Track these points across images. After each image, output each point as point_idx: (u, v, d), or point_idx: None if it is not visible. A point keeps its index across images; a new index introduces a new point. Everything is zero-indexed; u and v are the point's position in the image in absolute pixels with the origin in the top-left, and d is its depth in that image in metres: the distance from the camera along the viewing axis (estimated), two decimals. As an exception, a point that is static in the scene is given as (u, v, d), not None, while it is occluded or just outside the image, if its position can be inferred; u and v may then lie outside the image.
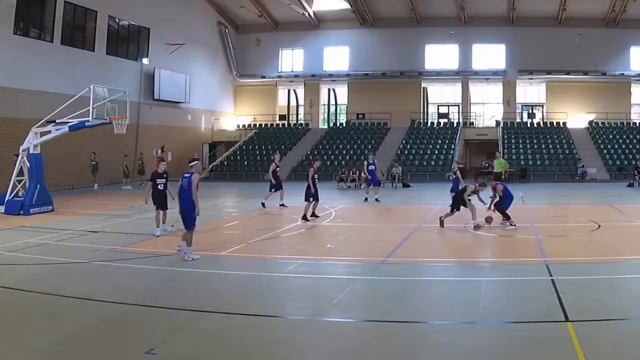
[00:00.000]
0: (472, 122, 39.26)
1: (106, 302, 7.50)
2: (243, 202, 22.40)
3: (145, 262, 10.13)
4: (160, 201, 13.21)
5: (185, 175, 10.49)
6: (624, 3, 33.90)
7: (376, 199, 20.52)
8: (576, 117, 37.12)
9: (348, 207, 19.44)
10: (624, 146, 33.24)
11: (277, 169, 18.69)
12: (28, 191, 17.42)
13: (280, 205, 18.38)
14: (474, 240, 12.44)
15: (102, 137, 25.65)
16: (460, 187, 16.58)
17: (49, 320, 6.86)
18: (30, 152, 17.73)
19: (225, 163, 36.25)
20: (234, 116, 42.58)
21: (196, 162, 10.81)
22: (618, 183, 27.56)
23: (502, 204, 14.28)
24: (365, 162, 21.54)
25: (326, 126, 40.83)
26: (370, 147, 34.87)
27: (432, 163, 33.18)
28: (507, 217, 13.93)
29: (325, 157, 34.88)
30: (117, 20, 30.69)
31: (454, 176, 18.84)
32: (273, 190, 18.56)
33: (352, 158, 33.80)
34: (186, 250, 10.22)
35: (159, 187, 13.20)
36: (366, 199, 20.81)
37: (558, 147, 33.94)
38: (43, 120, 18.06)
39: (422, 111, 39.84)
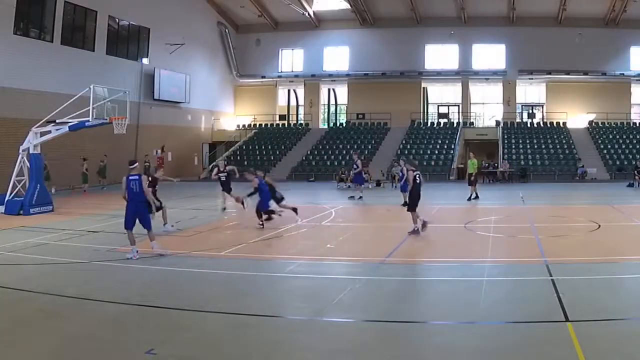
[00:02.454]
0: (472, 122, 39.26)
1: (106, 302, 7.50)
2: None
3: (145, 262, 10.12)
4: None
5: (132, 177, 10.29)
6: (624, 3, 33.89)
7: (358, 197, 20.79)
8: (576, 117, 37.13)
9: (348, 207, 19.43)
10: (624, 146, 33.24)
11: (221, 174, 18.22)
12: (28, 191, 17.42)
13: (224, 209, 17.96)
14: (474, 240, 12.44)
15: (102, 137, 25.64)
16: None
17: (49, 320, 6.86)
18: (30, 152, 17.74)
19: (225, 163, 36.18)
20: (234, 116, 42.58)
21: (136, 164, 10.78)
22: (618, 183, 27.55)
23: (261, 202, 14.32)
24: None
25: (326, 126, 40.83)
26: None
27: (432, 163, 33.18)
28: (259, 216, 14.04)
29: (326, 157, 34.92)
30: (117, 20, 30.69)
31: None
32: (224, 191, 17.97)
33: (352, 158, 33.70)
34: (131, 249, 10.24)
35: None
36: (360, 197, 20.93)
37: (558, 147, 33.94)
38: (43, 120, 18.06)
39: (422, 111, 39.84)
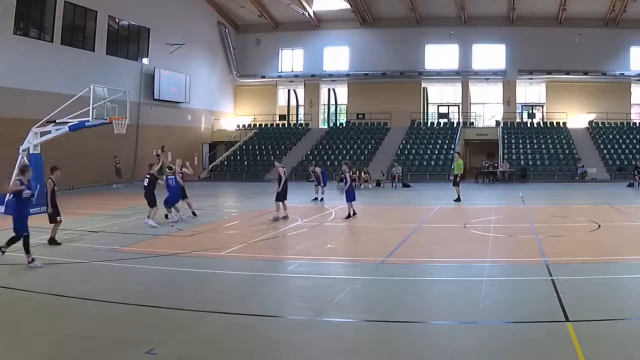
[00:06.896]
0: (472, 122, 39.27)
1: (106, 302, 7.50)
2: (243, 202, 22.42)
3: (145, 262, 10.14)
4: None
5: (169, 177, 14.45)
6: (624, 3, 33.89)
7: (321, 199, 20.85)
8: (576, 117, 37.12)
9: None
10: (624, 146, 33.23)
11: (56, 187, 12.39)
12: (28, 191, 17.37)
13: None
14: (474, 240, 12.45)
15: (102, 137, 25.62)
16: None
17: (49, 320, 6.86)
18: (30, 152, 17.74)
19: (225, 163, 36.27)
20: (234, 116, 42.58)
21: (171, 168, 14.95)
22: (618, 183, 27.55)
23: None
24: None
25: (326, 126, 40.84)
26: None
27: (432, 163, 33.17)
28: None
29: (326, 157, 34.92)
30: (117, 20, 30.68)
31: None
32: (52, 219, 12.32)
33: (352, 158, 33.76)
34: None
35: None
36: (321, 199, 20.85)
37: (558, 147, 33.93)
38: (43, 120, 18.07)
39: (422, 111, 39.85)
